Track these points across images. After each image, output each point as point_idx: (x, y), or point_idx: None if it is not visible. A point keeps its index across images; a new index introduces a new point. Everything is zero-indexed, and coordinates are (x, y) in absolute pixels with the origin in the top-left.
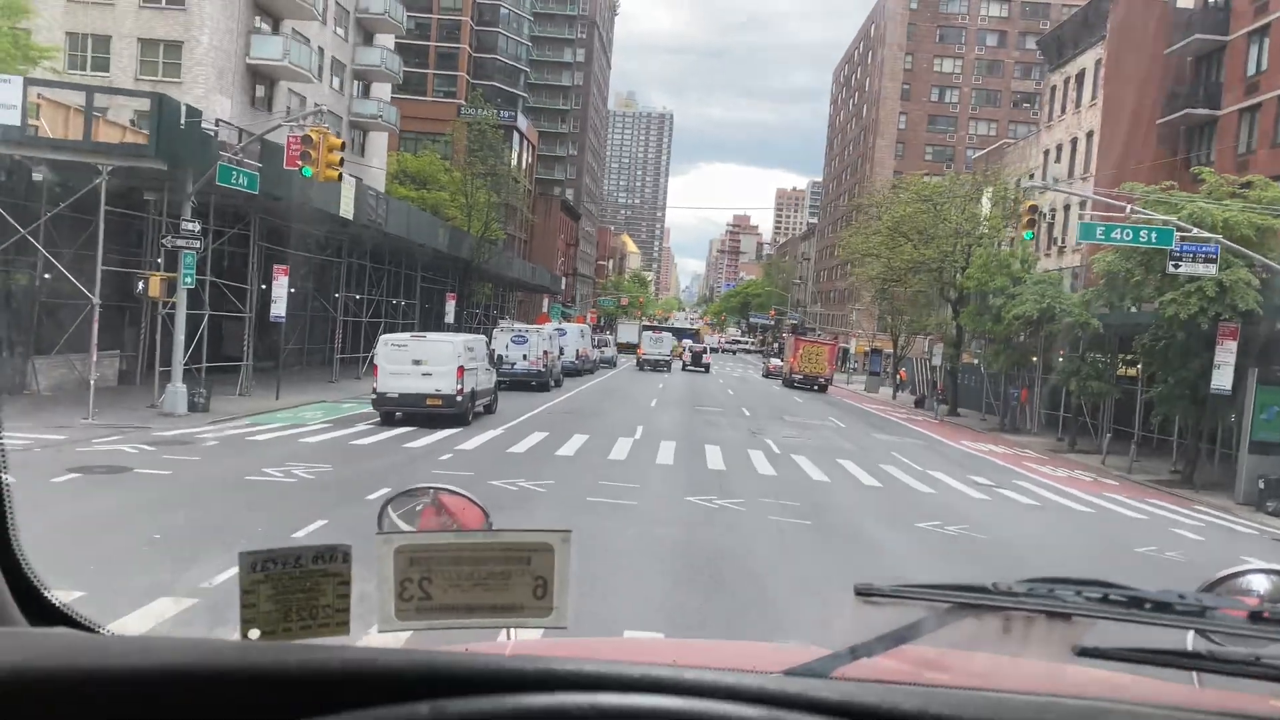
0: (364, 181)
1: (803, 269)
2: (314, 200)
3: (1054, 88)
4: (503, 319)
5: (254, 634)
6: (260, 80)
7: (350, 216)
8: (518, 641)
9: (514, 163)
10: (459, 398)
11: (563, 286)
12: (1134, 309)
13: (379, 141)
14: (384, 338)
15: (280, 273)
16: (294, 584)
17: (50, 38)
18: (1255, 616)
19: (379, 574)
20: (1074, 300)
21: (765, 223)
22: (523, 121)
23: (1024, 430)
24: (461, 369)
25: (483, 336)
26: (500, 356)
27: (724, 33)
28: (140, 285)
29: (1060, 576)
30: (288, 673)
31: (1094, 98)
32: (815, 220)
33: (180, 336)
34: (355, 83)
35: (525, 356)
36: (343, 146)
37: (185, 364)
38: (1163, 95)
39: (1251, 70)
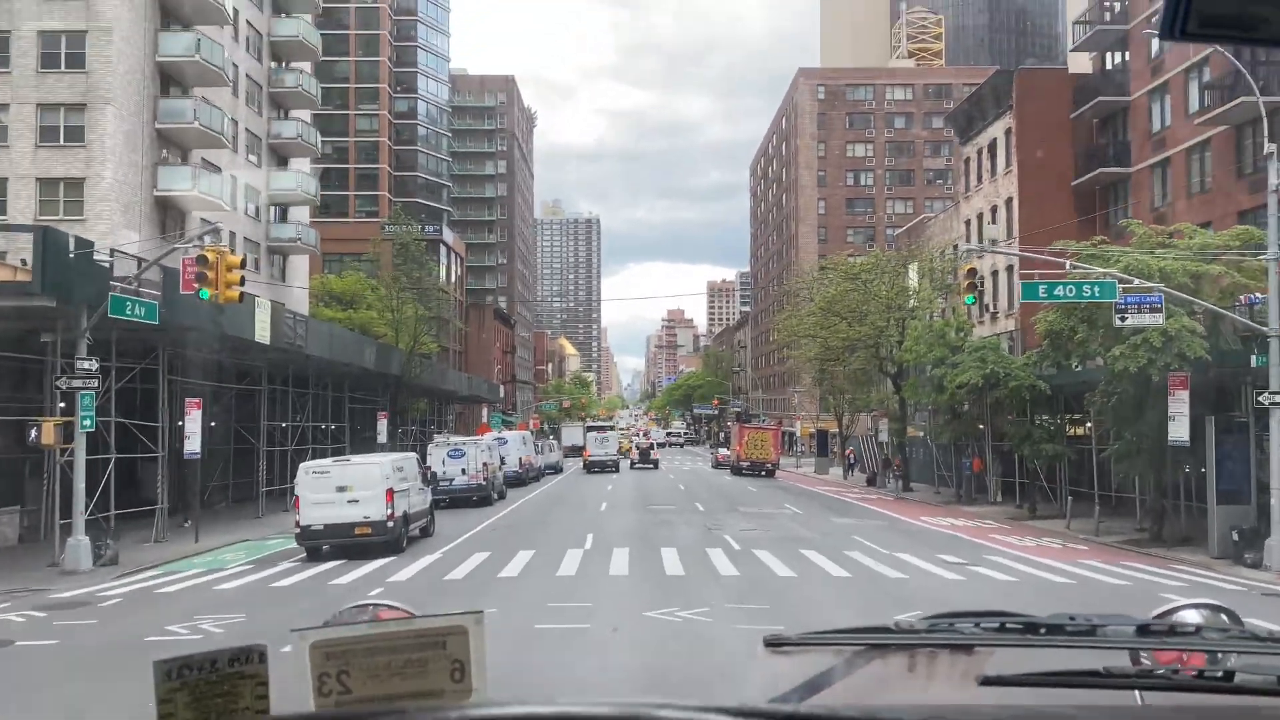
0: (286, 305)
1: (741, 357)
2: (227, 327)
3: (967, 159)
4: (438, 433)
5: None
6: (170, 212)
7: (267, 340)
8: None
9: (442, 275)
10: (390, 523)
11: (501, 394)
12: (1079, 366)
13: (300, 265)
14: (304, 466)
15: (192, 406)
16: (211, 689)
17: None
18: (1143, 630)
19: (295, 671)
20: (1017, 364)
21: (699, 315)
22: (448, 234)
23: (981, 500)
24: (391, 491)
25: (413, 454)
26: (436, 473)
27: (640, 139)
28: (33, 434)
29: (959, 611)
30: None
31: (1009, 165)
32: (748, 308)
33: (80, 485)
34: (272, 208)
35: (464, 471)
36: (242, 264)
37: (91, 514)
38: (1074, 157)
39: (1156, 127)
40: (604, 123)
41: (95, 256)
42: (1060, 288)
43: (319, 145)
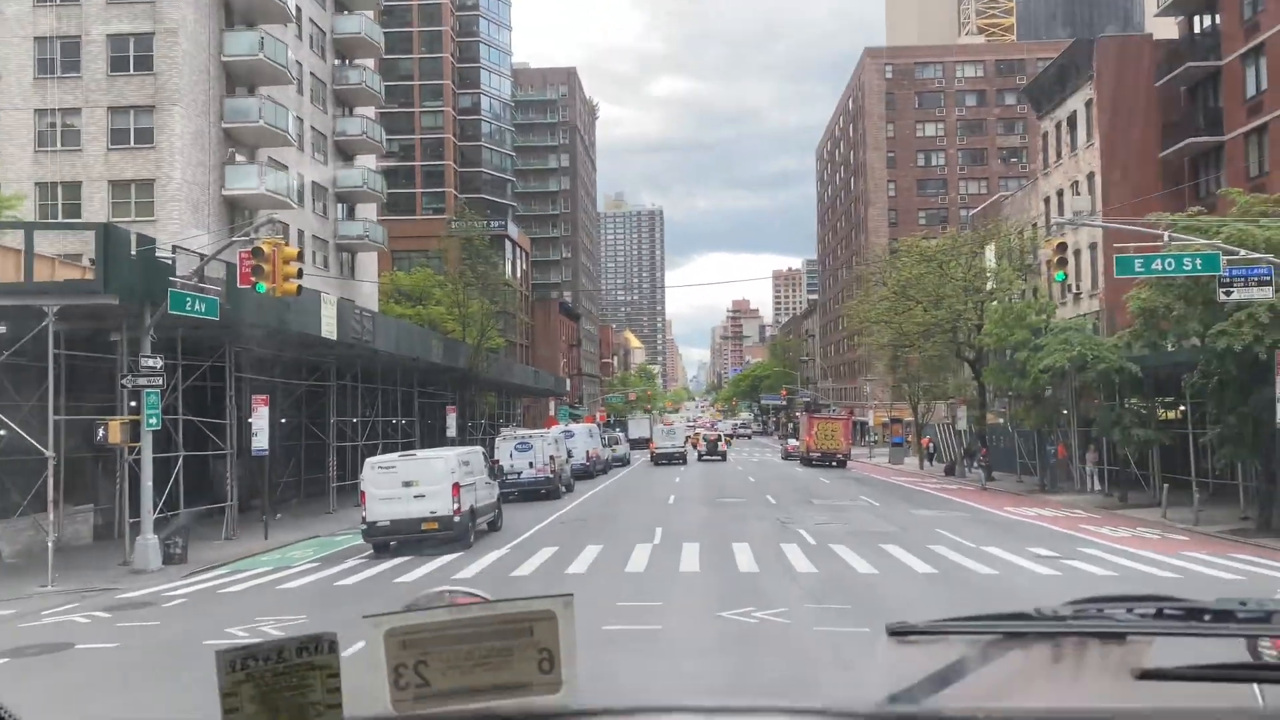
0: (354, 302)
1: (809, 346)
2: (292, 323)
3: (1045, 134)
4: (505, 427)
5: None
6: (238, 211)
7: (333, 336)
8: None
9: (507, 270)
10: (457, 518)
11: (567, 388)
12: (1175, 346)
13: (368, 262)
14: (370, 461)
15: (259, 403)
16: (279, 680)
17: (19, 189)
18: None
19: (370, 661)
20: (1105, 345)
21: (765, 305)
22: (513, 229)
23: (1066, 489)
24: (458, 486)
25: (479, 448)
26: (503, 467)
27: (701, 128)
28: (100, 432)
29: (1108, 595)
30: None
31: (1090, 139)
32: (815, 296)
33: (147, 483)
34: (339, 205)
35: (531, 464)
36: (309, 259)
37: (160, 512)
38: (1160, 128)
39: (1251, 91)
40: (666, 113)
41: (157, 253)
42: (1158, 261)
43: (384, 141)
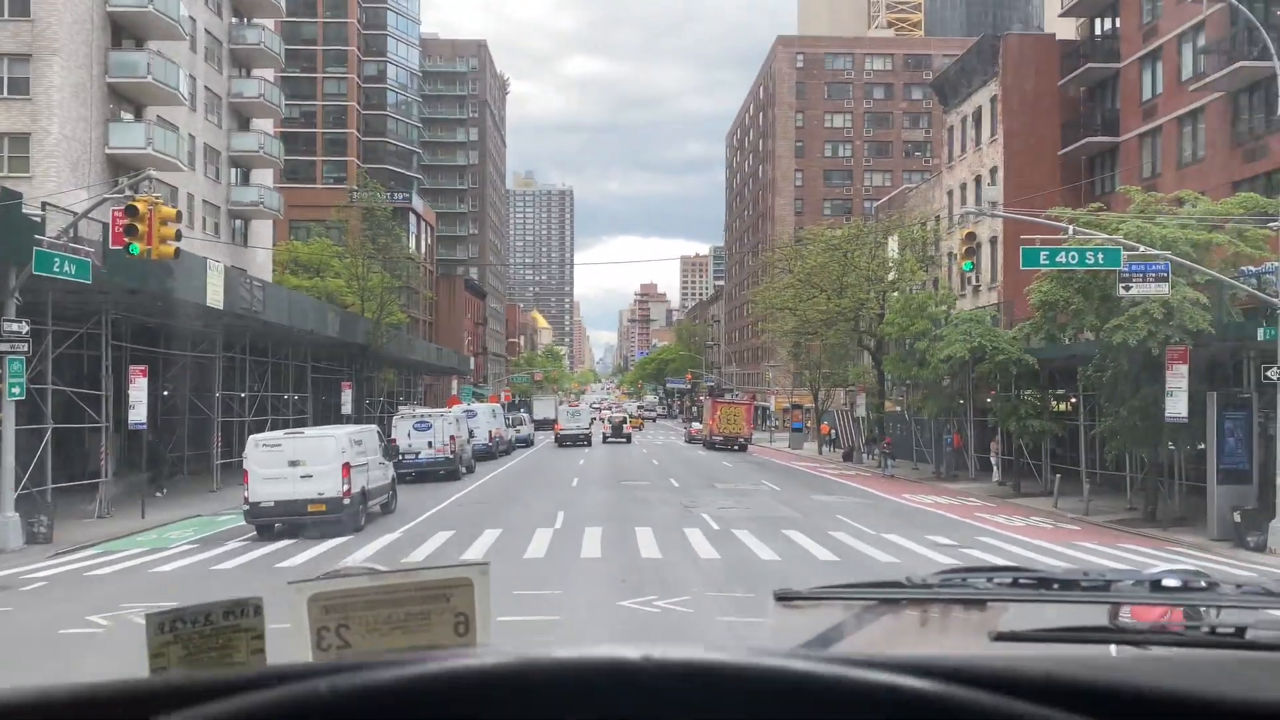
0: (246, 271)
1: (714, 331)
2: (174, 290)
3: (951, 128)
4: (403, 404)
5: None
6: (124, 171)
7: (220, 306)
8: None
9: (411, 244)
10: (346, 500)
11: (472, 366)
12: (1070, 340)
13: (263, 230)
14: (254, 438)
15: (137, 374)
16: (205, 642)
17: None
18: (1156, 585)
19: (293, 624)
20: (1004, 337)
21: (673, 290)
22: (418, 202)
23: (961, 477)
24: (348, 466)
25: (373, 427)
26: (401, 446)
27: (614, 111)
28: None
29: (972, 565)
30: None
31: (994, 134)
32: (722, 282)
33: (8, 457)
34: (233, 170)
35: (430, 444)
36: (179, 217)
37: (25, 488)
38: (1060, 126)
39: (1147, 95)
40: (578, 94)
41: (24, 210)
42: (1063, 254)
43: (283, 106)
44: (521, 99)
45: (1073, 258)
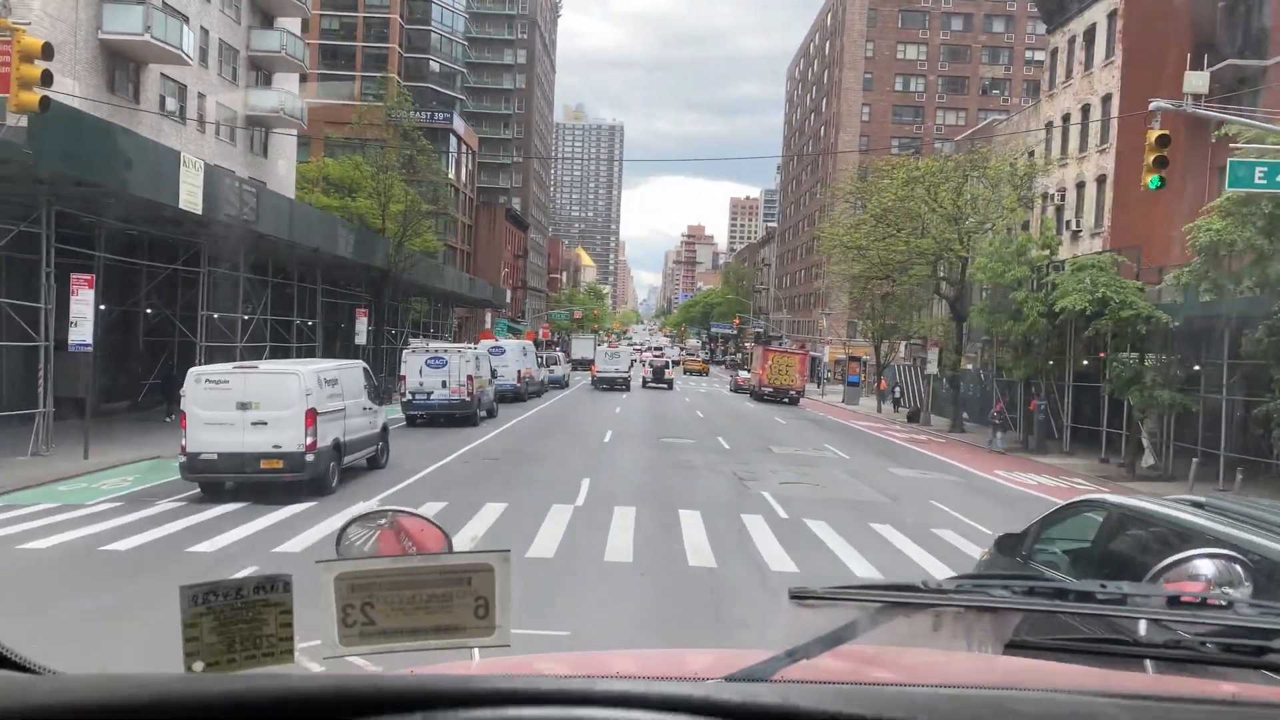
0: (267, 185)
1: (764, 275)
2: (135, 185)
3: (1055, 50)
4: (414, 337)
5: (198, 666)
6: (120, 61)
7: (196, 209)
8: (475, 662)
9: (451, 169)
10: (310, 456)
11: (508, 300)
12: (1253, 292)
13: (285, 143)
14: (194, 371)
15: (81, 284)
16: (236, 615)
17: None
18: (1174, 601)
19: (321, 601)
20: (1132, 288)
21: (720, 233)
22: (459, 124)
23: (1053, 449)
24: (314, 413)
25: (357, 363)
26: (411, 385)
27: (666, 47)
28: None
29: (990, 572)
30: (234, 700)
31: (1109, 56)
32: (775, 224)
33: None
34: (252, 72)
35: (444, 384)
36: (50, 52)
37: None
38: (1189, 49)
39: None
40: (630, 28)
41: None
42: None
43: (309, 3)
44: (572, 33)
45: None
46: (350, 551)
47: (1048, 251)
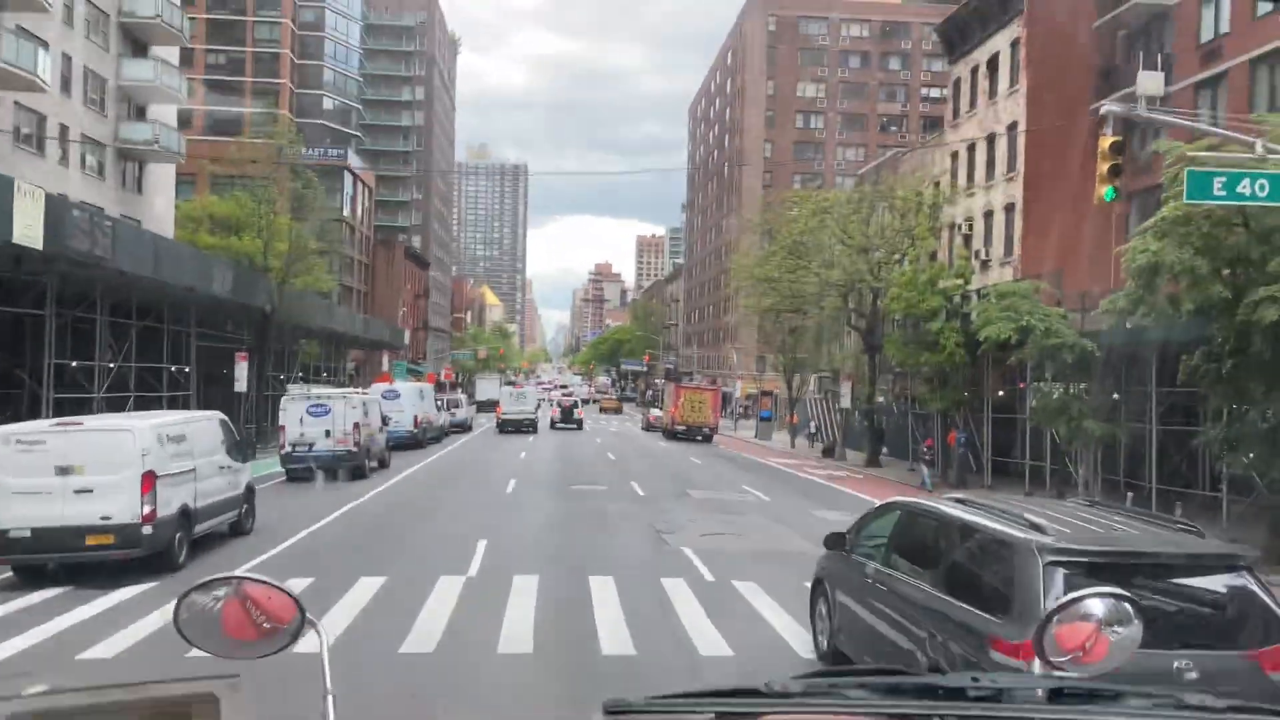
0: (142, 223)
1: (672, 311)
2: None
3: (959, 80)
4: (292, 383)
5: None
6: None
7: (36, 244)
8: None
9: (346, 206)
10: (148, 528)
11: (406, 341)
12: (1190, 315)
13: (163, 176)
14: (1, 431)
15: None
16: None
17: None
18: (1055, 695)
19: None
20: (1055, 315)
21: (628, 271)
22: (355, 160)
23: (975, 484)
24: (151, 476)
25: (214, 414)
26: (292, 435)
27: (569, 88)
28: None
29: (841, 667)
30: None
31: (1014, 84)
32: (682, 260)
33: None
34: (123, 104)
35: (328, 433)
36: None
37: None
38: (1096, 74)
39: (1208, 35)
40: (532, 70)
41: None
42: (1246, 182)
43: (185, 30)
44: (473, 74)
45: (1262, 188)
46: (191, 628)
47: (961, 281)
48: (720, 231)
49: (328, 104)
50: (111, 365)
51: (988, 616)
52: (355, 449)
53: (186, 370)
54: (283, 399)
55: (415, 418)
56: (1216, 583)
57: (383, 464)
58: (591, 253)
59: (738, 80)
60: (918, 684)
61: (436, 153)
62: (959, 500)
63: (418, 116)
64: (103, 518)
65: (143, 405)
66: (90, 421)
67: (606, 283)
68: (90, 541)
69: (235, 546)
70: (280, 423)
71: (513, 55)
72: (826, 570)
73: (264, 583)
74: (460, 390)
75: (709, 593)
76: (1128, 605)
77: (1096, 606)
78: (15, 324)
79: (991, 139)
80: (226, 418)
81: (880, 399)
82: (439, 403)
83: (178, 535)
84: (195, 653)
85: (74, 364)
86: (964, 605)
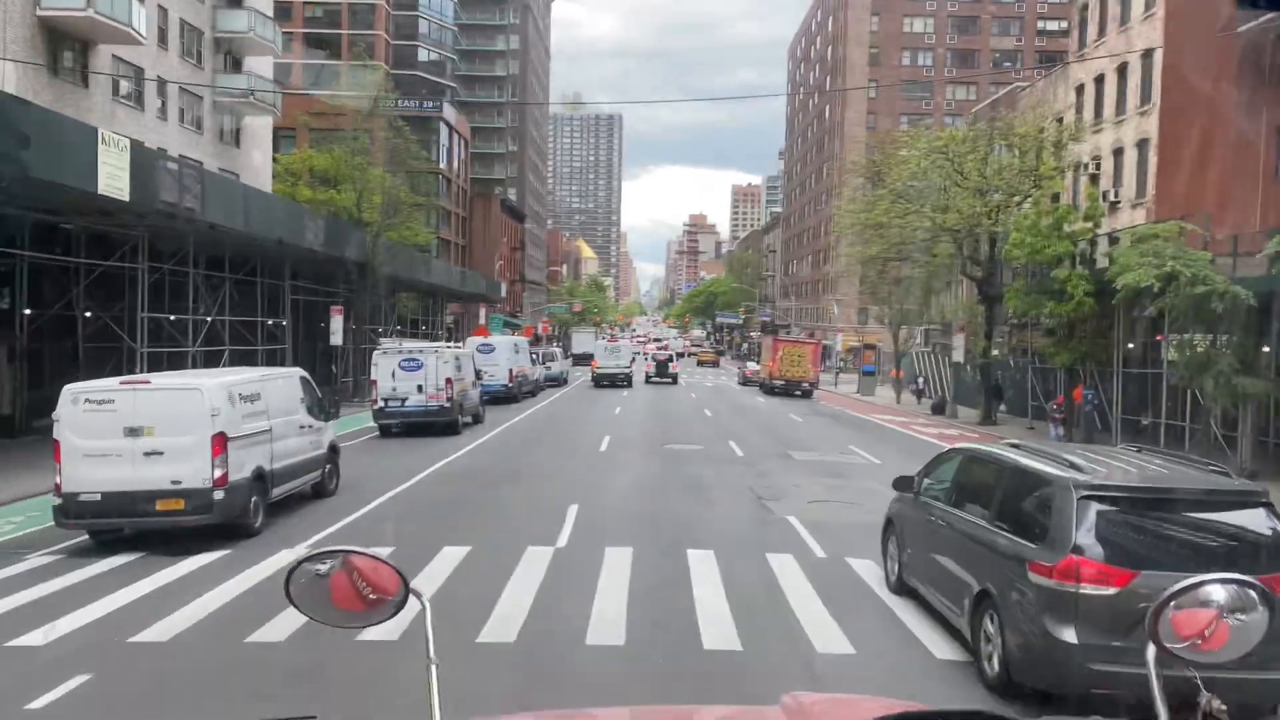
0: (240, 177)
1: (769, 262)
2: (41, 167)
3: (1085, 5)
4: (384, 337)
5: None
6: (64, 42)
7: (122, 196)
8: None
9: (442, 158)
10: (218, 492)
11: (503, 293)
12: None
13: (260, 130)
14: (70, 389)
15: None
16: None
17: None
18: None
19: None
20: (1202, 260)
21: (723, 221)
22: (450, 112)
23: (1101, 443)
24: (222, 438)
25: (295, 371)
26: (383, 391)
27: (663, 36)
28: None
29: (925, 710)
30: None
31: (1149, 7)
32: (779, 210)
33: None
34: (219, 56)
35: (420, 388)
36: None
37: None
38: None
39: None
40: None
41: None
42: None
43: None
44: (567, 23)
45: None
46: (302, 598)
47: (1090, 225)
48: (820, 178)
49: (423, 55)
50: (207, 319)
51: (1027, 544)
52: (448, 404)
53: (283, 323)
54: (375, 353)
55: (510, 372)
56: (1235, 516)
57: (477, 419)
58: (686, 204)
59: (840, 17)
60: None
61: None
62: (1014, 445)
63: (512, 66)
64: (173, 482)
65: (238, 359)
66: (159, 379)
67: (701, 234)
68: (161, 507)
69: (316, 510)
70: (372, 377)
71: (606, 3)
72: (896, 511)
73: (370, 556)
74: (556, 344)
75: (821, 573)
76: (1253, 592)
77: (1218, 592)
78: (108, 279)
79: (1123, 69)
80: (307, 374)
81: (995, 352)
82: (534, 356)
83: (253, 500)
84: (253, 637)
85: (172, 318)
86: (1009, 535)
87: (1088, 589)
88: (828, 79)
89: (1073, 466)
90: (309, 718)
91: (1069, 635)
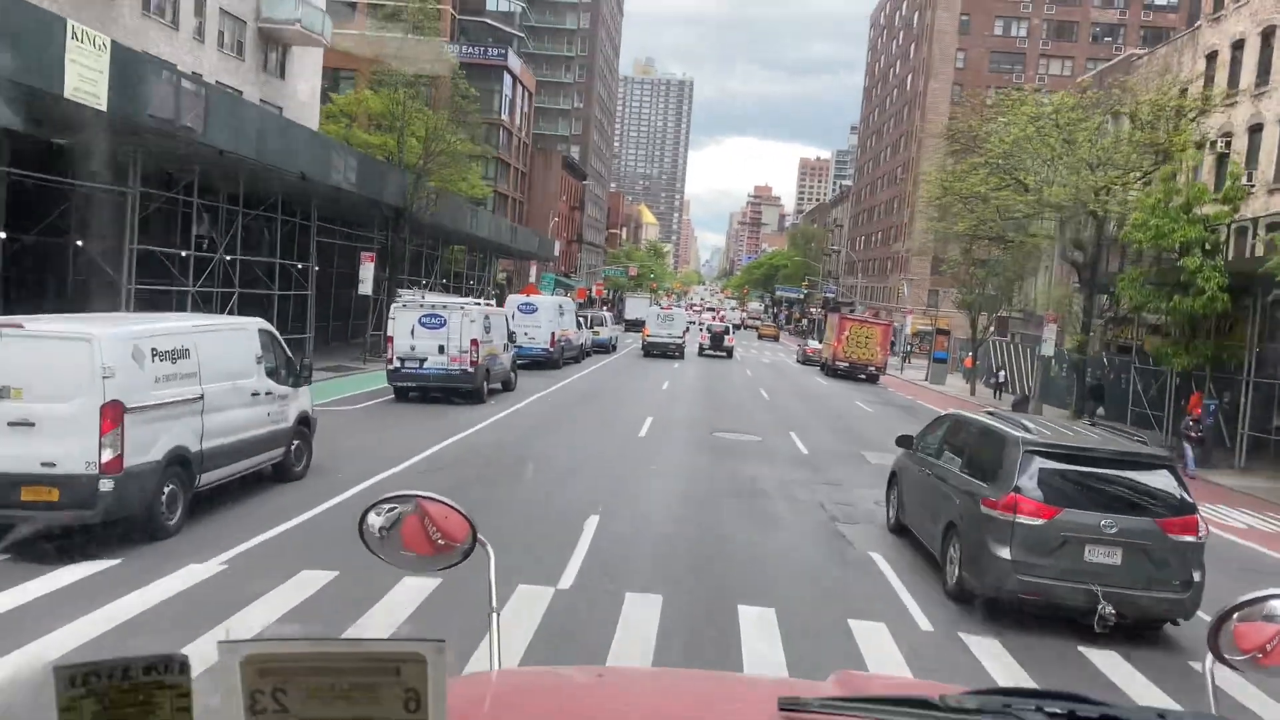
0: (284, 111)
1: (835, 237)
2: None
3: None
4: (405, 290)
5: None
6: None
7: (97, 104)
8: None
9: (504, 108)
10: (105, 481)
11: (555, 252)
12: None
13: (308, 60)
14: None
15: None
16: (124, 698)
17: None
18: None
19: (224, 686)
20: None
21: (788, 194)
22: (515, 62)
23: (1223, 466)
24: (117, 407)
25: (258, 321)
26: (402, 350)
27: (739, 4)
28: None
29: (1018, 687)
30: None
31: None
32: (849, 183)
33: None
34: None
35: (441, 349)
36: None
37: None
38: None
39: None
40: None
41: None
42: None
43: None
44: None
45: None
46: (374, 541)
47: (1229, 208)
48: (897, 151)
49: (491, 1)
50: (210, 255)
51: (982, 484)
52: (471, 369)
53: (300, 266)
54: (393, 306)
55: (553, 335)
56: (1144, 475)
57: (506, 386)
58: (751, 175)
59: None
60: (1104, 713)
61: (600, 60)
62: (990, 413)
63: (583, 20)
64: (44, 464)
65: (247, 303)
66: (36, 324)
67: (765, 206)
68: (26, 496)
69: (265, 501)
70: (388, 333)
71: None
72: (898, 464)
73: (442, 502)
74: (609, 308)
75: (931, 660)
76: None
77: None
78: (93, 202)
79: (1269, 33)
80: (271, 326)
81: (1094, 348)
82: (580, 320)
83: (165, 491)
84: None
85: (164, 252)
86: (972, 478)
87: (1023, 519)
88: (911, 46)
89: (1024, 428)
90: (180, 655)
91: (1005, 553)
